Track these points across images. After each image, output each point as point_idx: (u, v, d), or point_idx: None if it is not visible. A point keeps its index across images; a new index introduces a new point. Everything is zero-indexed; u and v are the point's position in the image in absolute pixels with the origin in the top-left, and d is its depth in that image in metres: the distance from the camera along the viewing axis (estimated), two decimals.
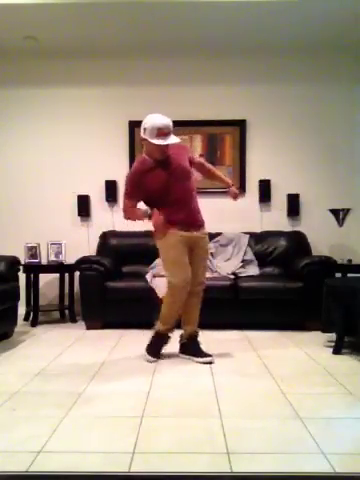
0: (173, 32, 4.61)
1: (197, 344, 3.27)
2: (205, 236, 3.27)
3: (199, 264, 3.21)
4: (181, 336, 3.32)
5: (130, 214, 3.21)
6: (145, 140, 2.98)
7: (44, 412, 2.31)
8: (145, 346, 3.28)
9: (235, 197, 3.40)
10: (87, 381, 2.79)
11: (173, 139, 2.96)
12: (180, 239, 3.09)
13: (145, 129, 2.95)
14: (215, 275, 4.49)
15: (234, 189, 3.40)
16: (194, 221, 3.18)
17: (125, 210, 3.21)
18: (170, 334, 3.26)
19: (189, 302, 3.20)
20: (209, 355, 3.19)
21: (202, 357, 3.17)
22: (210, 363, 3.12)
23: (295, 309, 4.19)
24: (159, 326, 3.24)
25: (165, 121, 2.93)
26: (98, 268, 4.30)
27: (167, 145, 2.98)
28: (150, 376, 2.89)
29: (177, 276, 3.09)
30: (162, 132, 2.90)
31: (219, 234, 4.90)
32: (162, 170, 3.05)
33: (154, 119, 2.93)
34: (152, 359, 3.20)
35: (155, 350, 3.25)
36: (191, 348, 3.25)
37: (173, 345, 3.32)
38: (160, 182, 3.04)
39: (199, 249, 3.19)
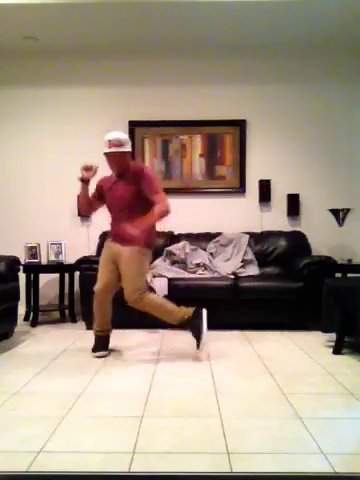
0: (173, 32, 4.61)
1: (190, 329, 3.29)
2: (127, 249, 3.21)
3: (122, 275, 3.28)
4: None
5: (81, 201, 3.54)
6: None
7: (44, 412, 2.32)
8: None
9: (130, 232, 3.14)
10: (87, 381, 2.79)
11: (117, 149, 3.22)
12: (106, 249, 3.43)
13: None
14: (215, 275, 4.49)
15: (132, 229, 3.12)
16: (119, 237, 3.30)
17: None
18: (101, 334, 3.42)
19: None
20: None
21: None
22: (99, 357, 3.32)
23: (295, 309, 4.19)
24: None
25: (114, 134, 3.25)
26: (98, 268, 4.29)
27: (114, 156, 3.24)
28: (150, 376, 2.89)
29: (98, 281, 3.40)
30: (110, 143, 3.23)
31: (219, 234, 4.90)
32: (112, 188, 3.36)
33: (108, 134, 3.27)
34: (98, 353, 3.36)
35: (97, 346, 3.41)
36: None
37: (173, 345, 3.32)
38: (106, 197, 3.42)
39: (120, 260, 3.28)
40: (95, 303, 3.36)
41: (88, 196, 3.42)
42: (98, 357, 3.31)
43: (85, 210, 3.64)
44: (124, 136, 3.28)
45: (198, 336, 3.20)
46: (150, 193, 3.19)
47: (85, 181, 3.34)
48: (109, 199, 3.38)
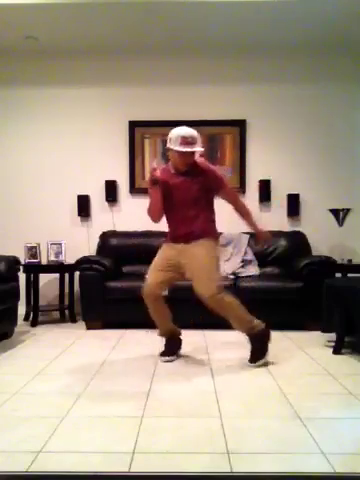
0: (173, 32, 4.61)
1: (251, 346, 3.15)
2: (193, 246, 3.06)
3: (192, 275, 3.02)
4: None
5: (150, 205, 3.13)
6: (169, 150, 3.06)
7: (44, 412, 2.31)
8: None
9: (263, 239, 3.30)
10: (87, 381, 2.79)
11: (195, 148, 3.00)
12: (162, 251, 3.21)
13: (170, 139, 3.03)
14: None
15: (262, 234, 3.28)
16: (182, 236, 3.11)
17: (148, 208, 3.15)
18: (169, 335, 3.30)
19: (216, 311, 3.09)
20: (255, 361, 3.10)
21: (250, 361, 3.13)
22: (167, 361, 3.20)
23: (295, 309, 4.19)
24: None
25: (189, 131, 3.02)
26: (98, 268, 4.30)
27: (192, 155, 3.03)
28: (150, 376, 2.89)
29: (146, 281, 3.19)
30: (185, 141, 2.97)
31: (219, 234, 4.89)
32: (175, 186, 3.09)
33: (179, 129, 3.03)
34: (165, 358, 3.24)
35: (165, 350, 3.30)
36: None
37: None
38: (168, 194, 3.09)
39: (187, 259, 3.06)
40: (148, 306, 3.17)
41: (161, 199, 3.09)
42: (165, 361, 3.22)
43: (160, 216, 3.18)
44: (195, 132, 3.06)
45: (260, 356, 3.11)
46: (220, 189, 3.15)
47: (158, 182, 3.03)
48: (174, 196, 3.10)
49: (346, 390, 2.62)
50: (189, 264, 3.05)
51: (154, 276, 3.15)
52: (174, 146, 3.00)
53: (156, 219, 3.17)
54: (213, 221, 3.21)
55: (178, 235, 3.13)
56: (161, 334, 3.33)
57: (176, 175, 3.12)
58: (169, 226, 3.22)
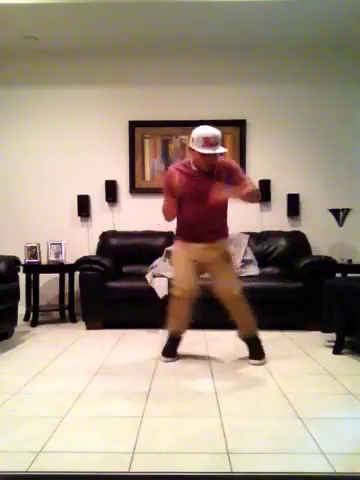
0: (173, 32, 4.61)
1: (251, 347, 3.22)
2: (218, 246, 3.13)
3: (219, 273, 3.12)
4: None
5: (166, 209, 3.13)
6: (192, 150, 3.00)
7: (44, 412, 2.32)
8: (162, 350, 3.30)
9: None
10: (87, 381, 2.79)
11: (218, 150, 2.95)
12: (185, 251, 3.14)
13: (192, 139, 2.99)
14: None
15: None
16: (205, 236, 3.09)
17: (163, 209, 3.15)
18: (178, 336, 3.26)
19: (231, 310, 3.15)
20: (260, 358, 3.17)
21: (253, 359, 3.18)
22: (260, 364, 3.13)
23: (295, 309, 4.19)
24: (167, 328, 3.28)
25: (212, 131, 2.95)
26: (98, 268, 4.30)
27: (215, 157, 3.00)
28: (150, 376, 2.89)
29: (176, 286, 3.13)
30: (208, 141, 2.91)
31: None
32: (197, 185, 3.05)
33: (201, 129, 2.97)
34: (167, 359, 3.23)
35: (169, 350, 3.27)
36: (249, 350, 3.24)
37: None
38: (186, 191, 3.06)
39: (213, 258, 3.09)
40: (179, 307, 3.11)
41: (176, 203, 3.12)
42: (166, 362, 3.21)
43: (174, 216, 3.20)
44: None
45: (261, 356, 3.19)
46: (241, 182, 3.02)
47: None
48: (196, 195, 3.03)
49: (346, 390, 2.62)
50: (215, 263, 3.10)
51: (190, 279, 3.08)
52: (197, 147, 2.94)
53: (170, 218, 3.20)
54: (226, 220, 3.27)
55: (200, 235, 3.08)
56: (172, 333, 3.25)
57: (198, 174, 3.07)
58: (187, 225, 3.15)
